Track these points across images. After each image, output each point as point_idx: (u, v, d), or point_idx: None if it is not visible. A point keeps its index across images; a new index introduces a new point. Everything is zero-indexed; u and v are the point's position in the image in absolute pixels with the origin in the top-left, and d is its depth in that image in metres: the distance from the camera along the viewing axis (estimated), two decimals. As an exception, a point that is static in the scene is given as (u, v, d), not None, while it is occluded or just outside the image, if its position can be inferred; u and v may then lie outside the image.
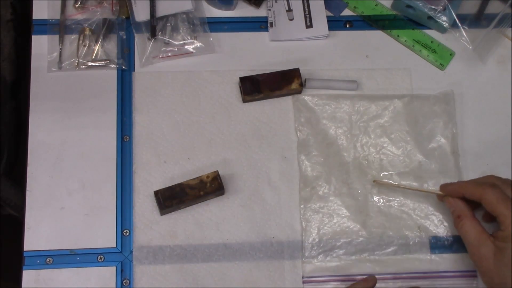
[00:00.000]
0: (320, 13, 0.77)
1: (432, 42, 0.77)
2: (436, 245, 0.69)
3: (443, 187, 0.67)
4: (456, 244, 0.69)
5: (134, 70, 0.74)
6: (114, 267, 0.66)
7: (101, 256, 0.66)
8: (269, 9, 0.77)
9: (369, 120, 0.73)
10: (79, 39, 0.73)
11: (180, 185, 0.67)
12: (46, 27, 0.74)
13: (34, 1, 0.75)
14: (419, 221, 0.70)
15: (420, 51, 0.77)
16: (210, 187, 0.67)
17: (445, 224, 0.70)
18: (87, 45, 0.73)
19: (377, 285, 0.66)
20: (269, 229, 0.69)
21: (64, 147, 0.70)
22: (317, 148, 0.71)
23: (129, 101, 0.72)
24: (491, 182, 0.63)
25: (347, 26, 0.78)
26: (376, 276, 0.66)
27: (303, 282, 0.67)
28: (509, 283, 0.58)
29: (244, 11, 0.78)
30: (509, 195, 0.61)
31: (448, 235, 0.69)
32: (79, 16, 0.75)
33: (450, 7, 0.76)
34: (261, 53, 0.76)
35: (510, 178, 0.72)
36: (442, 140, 0.72)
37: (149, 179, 0.69)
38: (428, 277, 0.68)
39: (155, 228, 0.68)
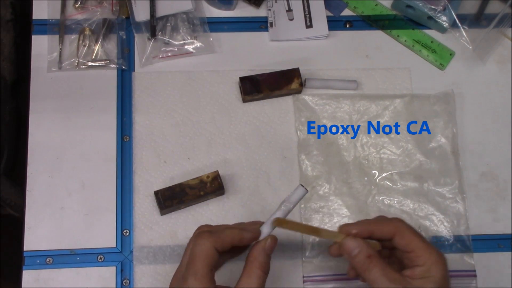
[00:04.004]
0: (320, 13, 0.77)
1: (432, 42, 0.77)
2: (436, 244, 0.69)
3: (343, 228, 0.56)
4: (456, 244, 0.69)
5: (134, 70, 0.74)
6: (114, 267, 0.66)
7: (101, 256, 0.66)
8: (269, 9, 0.77)
9: (369, 120, 0.73)
10: (79, 39, 0.73)
11: (180, 185, 0.67)
12: (46, 27, 0.74)
13: (34, 1, 0.75)
14: (419, 221, 0.70)
15: (420, 51, 0.77)
16: (210, 187, 0.67)
17: (445, 224, 0.70)
18: (87, 45, 0.73)
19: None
20: (269, 229, 0.69)
21: (64, 147, 0.70)
22: (318, 148, 0.71)
23: (129, 101, 0.72)
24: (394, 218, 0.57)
25: (347, 26, 0.78)
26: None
27: (304, 282, 0.67)
28: None
29: (244, 11, 0.78)
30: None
31: (448, 235, 0.69)
32: (79, 16, 0.75)
33: (450, 7, 0.76)
34: (261, 53, 0.76)
35: (510, 178, 0.72)
36: (442, 139, 0.72)
37: (149, 179, 0.69)
38: (428, 277, 0.68)
39: (155, 228, 0.68)
